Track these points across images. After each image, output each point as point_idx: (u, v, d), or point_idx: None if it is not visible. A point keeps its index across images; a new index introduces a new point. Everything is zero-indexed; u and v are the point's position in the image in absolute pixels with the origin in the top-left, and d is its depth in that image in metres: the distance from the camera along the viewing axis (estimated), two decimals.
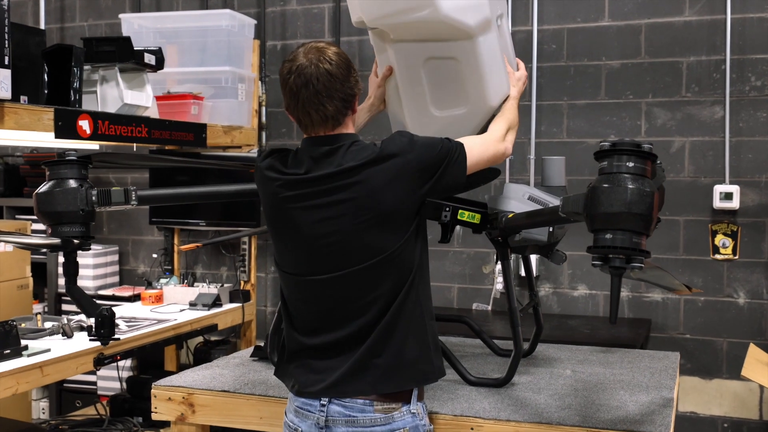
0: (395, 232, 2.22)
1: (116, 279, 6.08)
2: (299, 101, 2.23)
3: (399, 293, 2.25)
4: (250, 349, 3.30)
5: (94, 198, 2.52)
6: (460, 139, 2.38)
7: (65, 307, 5.72)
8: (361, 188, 2.20)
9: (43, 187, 2.50)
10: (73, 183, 2.50)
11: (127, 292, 5.71)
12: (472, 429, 2.50)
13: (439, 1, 2.53)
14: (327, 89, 2.21)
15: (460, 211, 2.72)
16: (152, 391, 2.86)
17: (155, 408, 2.86)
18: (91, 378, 5.63)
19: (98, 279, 5.84)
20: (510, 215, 2.67)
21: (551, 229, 2.78)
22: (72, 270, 2.58)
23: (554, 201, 2.86)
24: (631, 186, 1.96)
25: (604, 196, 1.98)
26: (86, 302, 2.57)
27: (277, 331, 3.06)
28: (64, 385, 5.67)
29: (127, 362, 5.50)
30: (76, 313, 4.92)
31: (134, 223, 6.09)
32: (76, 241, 2.52)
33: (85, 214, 2.51)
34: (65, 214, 2.48)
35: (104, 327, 2.55)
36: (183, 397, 2.82)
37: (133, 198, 2.59)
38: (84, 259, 5.72)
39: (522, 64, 2.89)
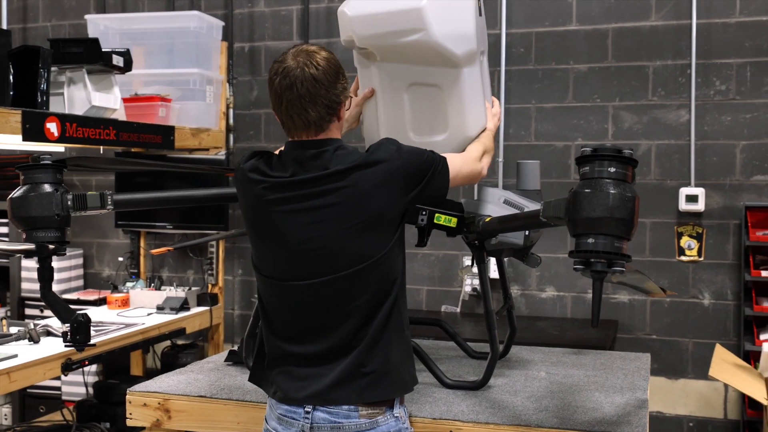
0: (380, 238, 2.22)
1: (80, 283, 6.01)
2: (282, 104, 2.21)
3: (384, 302, 2.25)
4: (224, 354, 3.28)
5: (69, 203, 2.48)
6: (445, 154, 2.42)
7: (28, 311, 5.65)
8: (349, 192, 2.18)
9: (18, 192, 2.45)
10: (48, 187, 2.46)
11: (92, 296, 5.65)
12: None
13: (431, 27, 2.57)
14: (310, 94, 2.19)
15: (436, 215, 2.73)
16: (127, 396, 2.83)
17: (130, 414, 2.82)
18: (55, 383, 5.56)
19: (62, 283, 5.77)
20: (487, 219, 2.69)
21: (527, 233, 2.80)
22: (47, 275, 2.54)
23: (530, 204, 2.88)
24: (613, 191, 1.98)
25: (586, 201, 2.00)
26: (61, 308, 2.53)
27: (253, 336, 3.05)
28: (28, 390, 5.60)
29: (93, 367, 5.44)
30: (42, 318, 4.88)
31: (99, 226, 6.02)
32: (51, 246, 2.48)
33: (61, 219, 2.47)
34: (40, 219, 2.44)
35: (80, 333, 2.51)
36: (159, 403, 2.79)
37: (109, 202, 2.56)
38: None
39: (497, 102, 2.96)
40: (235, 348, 3.25)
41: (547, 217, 2.18)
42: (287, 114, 2.23)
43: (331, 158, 2.21)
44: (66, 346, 2.51)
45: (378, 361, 2.24)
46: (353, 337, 2.24)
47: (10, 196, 2.46)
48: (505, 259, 4.53)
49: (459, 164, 2.49)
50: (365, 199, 2.19)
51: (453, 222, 2.77)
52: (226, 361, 3.21)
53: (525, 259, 2.93)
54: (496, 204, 2.84)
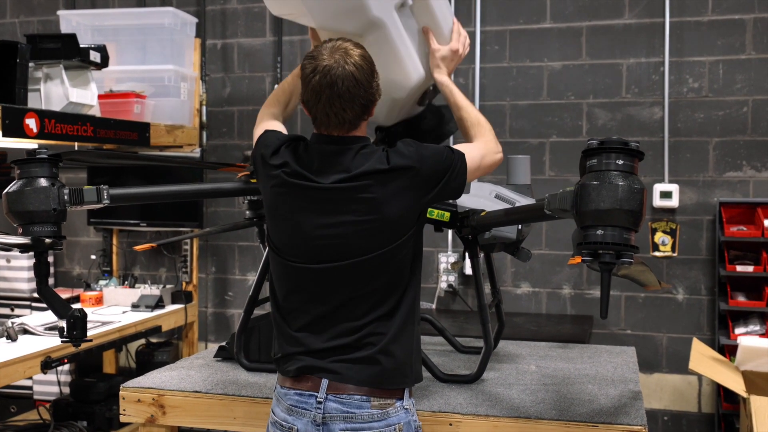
0: (395, 236, 2.25)
1: (51, 281, 5.90)
2: (320, 101, 2.21)
3: (395, 292, 2.27)
4: (213, 350, 3.26)
5: (66, 197, 2.47)
6: (463, 147, 2.42)
7: None
8: (367, 196, 2.20)
9: (14, 186, 2.42)
10: (44, 182, 2.43)
11: (64, 294, 5.55)
12: (450, 425, 2.52)
13: (314, 11, 2.52)
14: (350, 94, 2.19)
15: (429, 209, 2.74)
16: (121, 392, 2.80)
17: (124, 410, 2.80)
18: (26, 383, 5.48)
19: (33, 281, 5.67)
20: (483, 213, 2.70)
21: (520, 227, 2.82)
22: (44, 271, 2.53)
23: (521, 199, 2.91)
24: (621, 183, 2.00)
25: (594, 193, 2.01)
26: (58, 304, 2.50)
27: (244, 331, 3.04)
28: None
29: (65, 366, 5.37)
30: (15, 316, 4.81)
31: (69, 223, 5.92)
32: (48, 240, 2.46)
33: (57, 214, 2.46)
34: (37, 213, 2.42)
35: (76, 328, 2.49)
36: (153, 399, 2.77)
37: (105, 197, 2.55)
38: (18, 261, 5.57)
39: (460, 34, 2.91)
40: (223, 344, 3.23)
41: (552, 209, 2.20)
42: (323, 111, 2.23)
43: (353, 158, 2.23)
44: (63, 341, 2.48)
45: (387, 350, 2.25)
46: (364, 323, 2.25)
47: (5, 190, 2.43)
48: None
49: (480, 157, 2.48)
50: (382, 207, 2.21)
51: (446, 216, 2.79)
52: (215, 356, 3.19)
53: (516, 253, 2.95)
54: (487, 199, 2.86)
